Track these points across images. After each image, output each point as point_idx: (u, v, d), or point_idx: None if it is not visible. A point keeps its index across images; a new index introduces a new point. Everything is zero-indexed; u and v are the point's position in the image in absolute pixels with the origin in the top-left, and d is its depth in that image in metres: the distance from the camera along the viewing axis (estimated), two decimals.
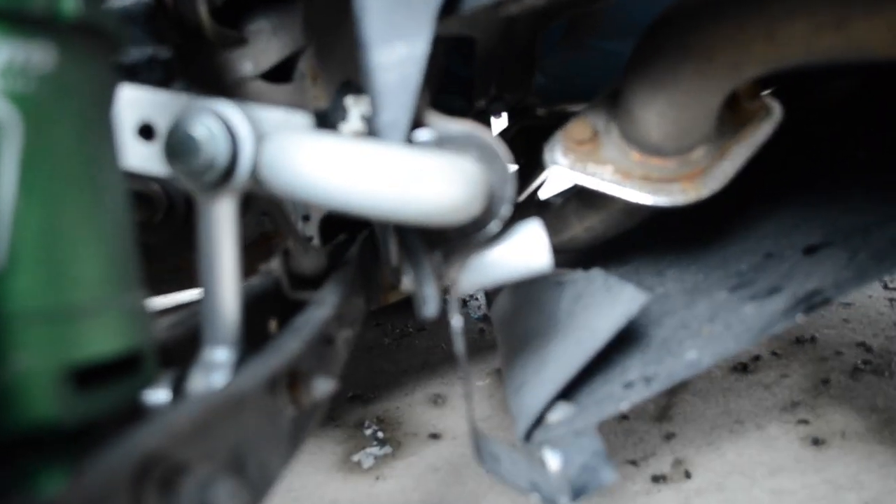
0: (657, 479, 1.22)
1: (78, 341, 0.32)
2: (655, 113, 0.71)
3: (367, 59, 0.51)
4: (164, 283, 1.29)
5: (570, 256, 1.38)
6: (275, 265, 0.77)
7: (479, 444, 0.63)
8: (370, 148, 0.44)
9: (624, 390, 0.74)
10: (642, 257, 1.15)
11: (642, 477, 1.23)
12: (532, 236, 0.58)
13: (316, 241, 1.10)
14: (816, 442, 1.37)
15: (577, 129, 0.78)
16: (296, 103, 0.91)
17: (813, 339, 1.82)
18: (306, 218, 1.08)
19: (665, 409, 1.49)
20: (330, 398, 0.59)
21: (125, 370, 0.36)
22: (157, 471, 0.32)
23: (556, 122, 0.82)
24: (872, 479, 1.24)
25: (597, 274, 0.87)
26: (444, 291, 0.60)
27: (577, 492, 0.65)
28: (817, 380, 1.62)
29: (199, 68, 0.87)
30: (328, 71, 0.95)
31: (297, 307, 0.64)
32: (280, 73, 0.94)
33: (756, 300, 0.80)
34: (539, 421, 0.74)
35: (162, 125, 0.53)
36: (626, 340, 0.83)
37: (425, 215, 0.44)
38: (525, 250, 0.58)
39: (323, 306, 0.59)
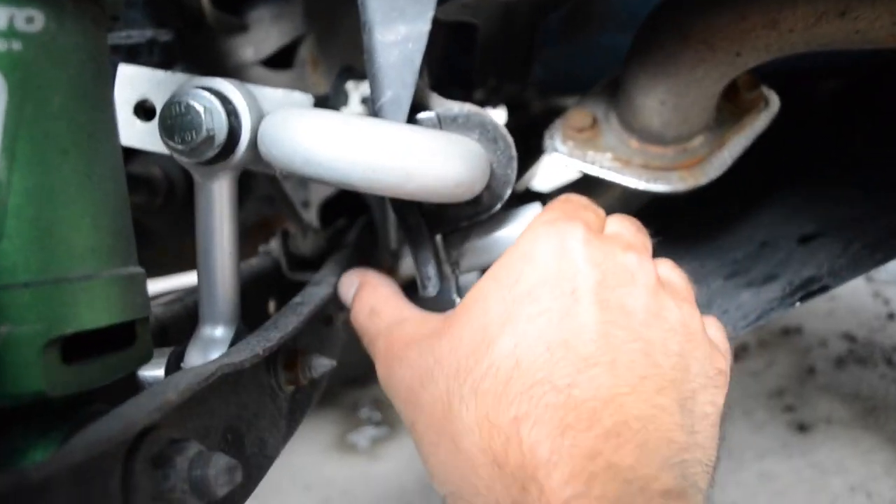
0: None
1: (65, 313, 0.32)
2: (655, 100, 0.70)
3: (369, 39, 0.51)
4: (166, 268, 1.28)
5: None
6: (274, 246, 0.77)
7: None
8: (371, 123, 0.43)
9: None
10: None
11: None
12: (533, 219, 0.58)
13: (316, 226, 1.10)
14: (802, 428, 1.38)
15: (576, 116, 0.78)
16: (296, 89, 0.91)
17: (799, 330, 1.83)
18: (306, 204, 1.08)
19: None
20: (328, 378, 0.59)
21: (117, 344, 0.36)
22: (149, 446, 0.32)
23: (551, 117, 0.82)
24: (857, 464, 1.25)
25: None
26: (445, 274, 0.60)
27: None
28: (803, 368, 1.63)
29: (199, 53, 0.86)
30: (328, 57, 0.94)
31: (297, 288, 0.64)
32: (280, 60, 0.94)
33: (752, 287, 0.80)
34: None
35: (160, 103, 0.53)
36: None
37: (426, 191, 0.44)
38: None
39: (322, 285, 0.59)
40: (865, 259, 0.74)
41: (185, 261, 1.25)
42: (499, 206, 0.54)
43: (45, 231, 0.31)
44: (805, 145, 1.19)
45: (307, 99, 0.52)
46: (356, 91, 0.67)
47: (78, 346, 0.33)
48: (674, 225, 1.15)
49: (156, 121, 0.53)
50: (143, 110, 0.54)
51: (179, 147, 0.47)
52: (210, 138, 0.47)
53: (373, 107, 0.50)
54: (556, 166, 0.91)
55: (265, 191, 1.13)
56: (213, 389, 0.40)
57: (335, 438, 1.53)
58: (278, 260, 0.77)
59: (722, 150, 0.78)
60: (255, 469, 0.46)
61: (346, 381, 1.82)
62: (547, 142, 0.79)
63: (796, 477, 1.22)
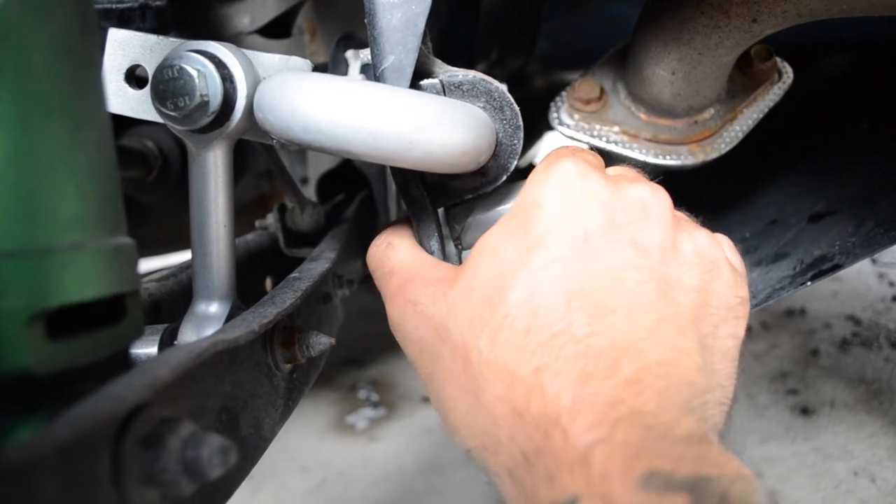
0: None
1: (50, 285, 0.29)
2: (667, 70, 0.68)
3: (370, 0, 0.48)
4: (161, 246, 1.26)
5: None
6: (271, 221, 0.75)
7: None
8: (373, 88, 0.41)
9: None
10: None
11: None
12: None
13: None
14: (806, 411, 1.37)
15: (583, 87, 0.76)
16: None
17: (803, 312, 1.82)
18: (304, 181, 1.06)
19: None
20: (326, 357, 0.57)
21: (106, 319, 0.34)
22: (140, 426, 0.30)
23: (553, 93, 0.80)
24: (861, 448, 1.25)
25: None
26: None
27: None
28: (807, 351, 1.62)
29: (193, 21, 0.83)
30: (327, 25, 0.91)
31: (294, 264, 0.62)
32: (278, 29, 0.91)
33: (762, 266, 0.78)
34: None
35: (152, 69, 0.51)
36: None
37: (430, 160, 0.41)
38: None
39: (320, 261, 0.57)
40: (880, 237, 0.72)
41: (182, 238, 1.22)
42: (504, 177, 0.52)
43: (27, 197, 0.29)
44: (813, 121, 1.16)
45: (306, 64, 0.49)
46: (356, 60, 0.64)
47: (64, 321, 0.31)
48: (679, 201, 1.13)
49: (148, 88, 0.51)
50: (135, 78, 0.52)
51: (172, 113, 0.45)
52: (204, 104, 0.45)
53: (374, 72, 0.48)
54: (559, 141, 0.89)
55: (262, 167, 1.11)
56: (207, 367, 0.38)
57: (333, 419, 1.52)
58: (275, 235, 0.75)
59: (733, 123, 0.76)
60: (250, 450, 0.45)
61: (345, 362, 1.80)
62: (552, 115, 0.76)
63: (799, 461, 1.21)
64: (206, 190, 0.48)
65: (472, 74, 0.50)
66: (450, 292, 0.42)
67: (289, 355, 0.48)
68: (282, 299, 0.48)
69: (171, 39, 0.51)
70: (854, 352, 1.64)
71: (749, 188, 1.05)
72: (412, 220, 0.52)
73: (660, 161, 0.74)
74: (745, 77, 0.77)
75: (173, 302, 0.56)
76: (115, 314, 0.34)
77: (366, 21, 0.49)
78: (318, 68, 0.87)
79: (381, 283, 0.49)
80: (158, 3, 0.73)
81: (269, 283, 0.74)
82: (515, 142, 0.50)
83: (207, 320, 0.48)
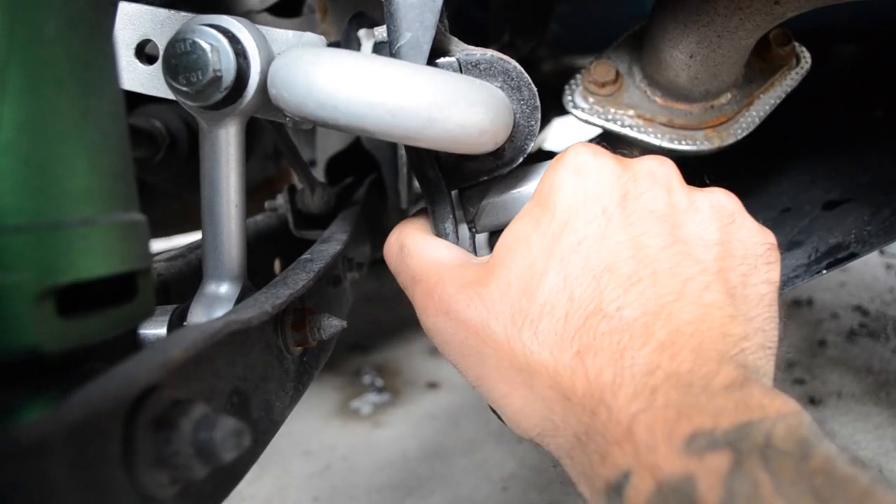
0: None
1: (61, 261, 0.29)
2: (685, 53, 0.67)
3: None
4: (168, 226, 1.25)
5: None
6: (280, 202, 0.74)
7: None
8: (391, 64, 0.40)
9: None
10: None
11: None
12: None
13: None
14: (813, 401, 1.36)
15: (599, 70, 0.74)
16: None
17: (810, 302, 1.82)
18: (312, 163, 1.05)
19: None
20: (335, 341, 0.56)
21: (117, 297, 0.33)
22: (151, 407, 0.29)
23: (562, 78, 0.78)
24: (868, 439, 1.24)
25: None
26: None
27: None
28: (814, 341, 1.61)
29: None
30: (338, 4, 0.90)
31: (303, 246, 0.61)
32: (289, 7, 0.90)
33: None
34: None
35: (163, 45, 0.49)
36: None
37: (448, 139, 0.40)
38: None
39: (332, 242, 0.57)
40: None
41: (188, 220, 1.22)
42: (520, 159, 0.51)
43: (39, 170, 0.28)
44: (828, 109, 1.15)
45: (320, 40, 0.48)
46: (369, 39, 0.63)
47: (74, 299, 0.30)
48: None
49: (158, 64, 0.50)
50: (145, 53, 0.51)
51: (184, 89, 0.44)
52: (217, 79, 0.44)
53: (390, 49, 0.47)
54: (570, 129, 0.87)
55: (268, 149, 1.10)
56: (218, 348, 0.37)
57: (337, 405, 1.52)
58: (284, 217, 0.74)
59: (750, 108, 0.74)
60: (261, 434, 0.44)
61: (350, 347, 1.80)
62: (566, 97, 0.75)
63: None
64: (217, 168, 0.47)
65: (489, 53, 0.49)
66: (484, 291, 0.43)
67: (300, 338, 0.47)
68: (294, 281, 0.47)
69: (183, 14, 0.50)
70: (861, 342, 1.63)
71: (762, 175, 1.04)
72: (427, 201, 0.51)
73: (675, 146, 0.72)
74: (762, 62, 0.75)
75: (182, 282, 0.55)
76: (126, 292, 0.33)
77: None
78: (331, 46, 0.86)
79: (407, 289, 0.49)
80: None
81: (277, 264, 0.73)
82: (533, 123, 0.49)
83: (218, 301, 0.47)
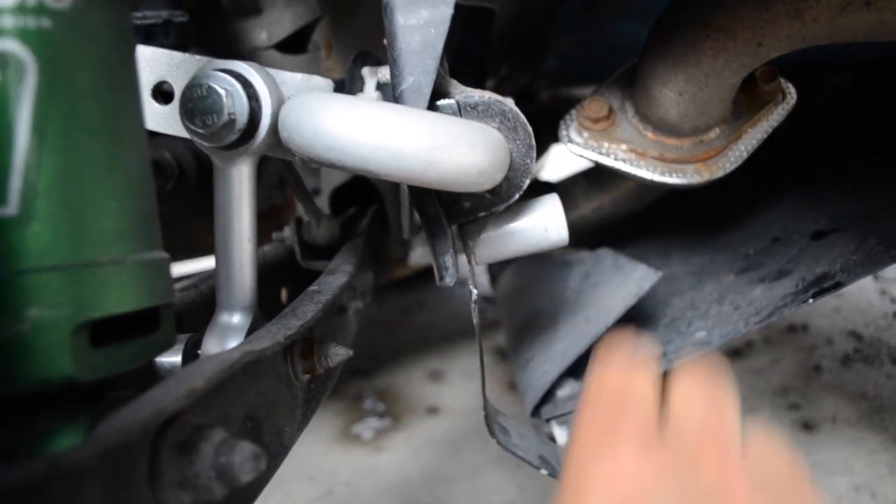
0: None
1: (94, 297, 0.31)
2: (674, 91, 0.70)
3: (390, 23, 0.50)
4: (175, 253, 1.28)
5: (573, 238, 1.37)
6: (287, 234, 0.76)
7: (490, 417, 0.63)
8: (395, 110, 0.43)
9: None
10: (647, 240, 1.15)
11: None
12: (550, 210, 0.58)
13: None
14: (807, 427, 1.38)
15: (593, 106, 0.77)
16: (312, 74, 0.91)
17: (805, 327, 1.83)
18: (317, 192, 1.07)
19: (663, 391, 1.49)
20: (341, 368, 0.59)
21: (143, 329, 0.35)
22: (175, 432, 0.32)
23: (559, 106, 0.81)
24: (862, 464, 1.25)
25: (605, 253, 0.87)
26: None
27: None
28: (809, 366, 1.63)
29: (213, 36, 0.85)
30: (343, 42, 0.93)
31: (308, 277, 0.63)
32: (294, 44, 0.93)
33: (764, 283, 0.80)
34: (547, 396, 0.74)
35: (178, 86, 0.52)
36: (634, 320, 0.83)
37: (448, 180, 0.43)
38: (543, 224, 0.57)
39: (338, 274, 0.59)
40: (881, 255, 0.74)
41: (196, 246, 1.24)
42: (517, 195, 0.53)
43: (74, 213, 0.31)
44: (819, 138, 1.18)
45: (327, 84, 0.51)
46: (372, 77, 0.66)
47: (104, 331, 0.32)
48: (683, 218, 1.15)
49: (174, 104, 0.53)
50: (161, 93, 0.54)
51: (200, 131, 0.47)
52: (231, 122, 0.46)
53: (393, 92, 0.50)
54: (567, 157, 0.90)
55: (274, 179, 1.13)
56: (234, 377, 0.39)
57: (339, 429, 1.53)
58: (291, 248, 0.76)
59: (738, 142, 0.77)
60: (272, 458, 0.46)
61: (351, 372, 1.82)
62: (562, 132, 0.78)
63: None
64: (230, 204, 0.50)
65: (487, 95, 0.52)
66: None
67: (308, 366, 0.49)
68: (303, 312, 0.49)
69: (197, 57, 0.53)
70: (856, 368, 1.64)
71: (754, 205, 1.07)
72: (427, 235, 0.53)
73: (666, 179, 0.75)
74: (749, 98, 0.78)
75: (195, 312, 0.57)
76: (151, 325, 0.35)
77: (385, 42, 0.51)
78: (335, 84, 0.89)
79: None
80: (181, 18, 0.75)
81: (284, 294, 0.76)
82: (528, 161, 0.52)
83: (230, 331, 0.49)
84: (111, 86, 0.34)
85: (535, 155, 0.53)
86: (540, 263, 1.07)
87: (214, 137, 0.47)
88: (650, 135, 0.77)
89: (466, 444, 1.42)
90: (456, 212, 0.53)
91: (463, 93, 0.53)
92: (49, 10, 0.31)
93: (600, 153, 0.76)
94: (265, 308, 0.54)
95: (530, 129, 0.52)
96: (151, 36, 0.70)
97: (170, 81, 0.53)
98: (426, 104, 0.49)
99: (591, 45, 1.20)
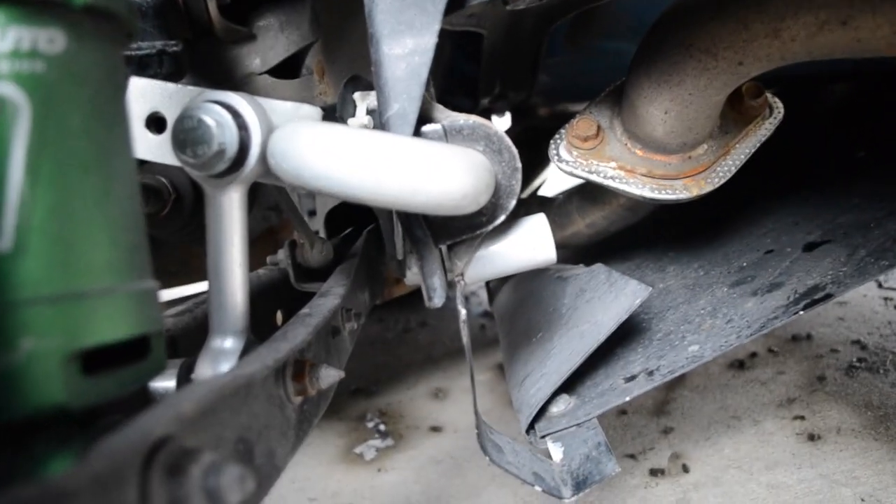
0: (655, 472, 1.23)
1: (85, 327, 0.32)
2: (659, 110, 0.71)
3: (376, 52, 0.52)
4: (172, 276, 1.29)
5: (572, 252, 1.39)
6: (281, 257, 0.77)
7: (483, 435, 0.64)
8: (379, 137, 0.44)
9: (626, 383, 0.75)
10: (644, 253, 1.16)
11: (641, 470, 1.24)
12: (537, 229, 0.59)
13: (322, 236, 1.10)
14: (812, 437, 1.37)
15: (581, 125, 0.79)
16: (303, 98, 0.92)
17: (809, 337, 1.83)
18: (312, 213, 1.09)
19: (663, 404, 1.50)
20: (335, 389, 0.60)
21: (133, 356, 0.36)
22: (165, 456, 0.33)
23: (557, 122, 0.83)
24: (868, 474, 1.25)
25: (599, 269, 0.88)
26: (451, 284, 0.60)
27: (580, 483, 0.65)
28: (813, 377, 1.62)
29: (208, 63, 0.87)
30: (335, 67, 0.95)
31: (303, 298, 0.64)
32: (288, 69, 0.94)
33: (757, 296, 0.81)
34: (541, 413, 0.74)
35: (171, 116, 0.54)
36: (628, 335, 0.84)
37: (433, 205, 0.44)
38: (531, 243, 0.58)
39: (330, 296, 0.60)
40: (870, 266, 0.74)
41: (192, 270, 1.26)
42: (503, 217, 0.55)
43: (66, 247, 0.32)
44: (813, 150, 1.19)
45: (316, 112, 0.52)
46: (363, 102, 0.68)
47: (95, 359, 0.34)
48: (680, 232, 1.15)
49: (167, 133, 0.54)
50: (155, 123, 0.55)
51: (191, 160, 0.48)
52: (221, 152, 0.48)
53: (380, 119, 0.51)
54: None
55: (271, 201, 1.14)
56: (225, 401, 0.40)
57: (341, 450, 1.53)
58: (286, 270, 0.77)
59: (726, 158, 0.79)
60: (264, 479, 0.47)
61: (353, 392, 1.82)
62: (552, 151, 0.80)
63: (806, 488, 1.22)
64: (221, 231, 0.51)
65: (472, 120, 0.53)
66: None
67: (300, 388, 0.50)
68: (294, 335, 0.50)
69: (189, 88, 0.54)
70: (860, 377, 1.64)
71: (749, 216, 1.08)
72: (416, 257, 0.54)
73: (656, 195, 0.76)
74: (736, 113, 0.80)
75: (189, 336, 0.58)
76: (141, 351, 0.36)
77: (372, 70, 0.52)
78: (327, 109, 0.90)
79: None
80: (174, 48, 0.77)
81: (279, 316, 0.77)
82: (514, 183, 0.53)
83: (223, 355, 0.50)
84: (102, 123, 0.35)
85: (520, 177, 0.54)
86: (536, 280, 1.08)
87: (205, 167, 0.48)
88: (639, 152, 0.78)
89: (469, 462, 1.42)
90: (444, 233, 0.54)
91: (448, 117, 0.54)
92: (42, 54, 0.32)
93: (589, 171, 0.78)
94: (261, 330, 0.55)
95: (515, 151, 0.54)
96: (146, 66, 0.72)
97: (163, 112, 0.55)
98: (412, 130, 0.50)
99: (582, 63, 1.22)
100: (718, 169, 0.78)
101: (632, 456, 1.28)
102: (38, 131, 0.32)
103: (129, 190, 0.36)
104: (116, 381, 0.35)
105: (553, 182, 2.17)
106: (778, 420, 1.45)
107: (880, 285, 2.14)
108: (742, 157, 0.79)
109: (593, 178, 0.77)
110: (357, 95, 0.76)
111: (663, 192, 0.77)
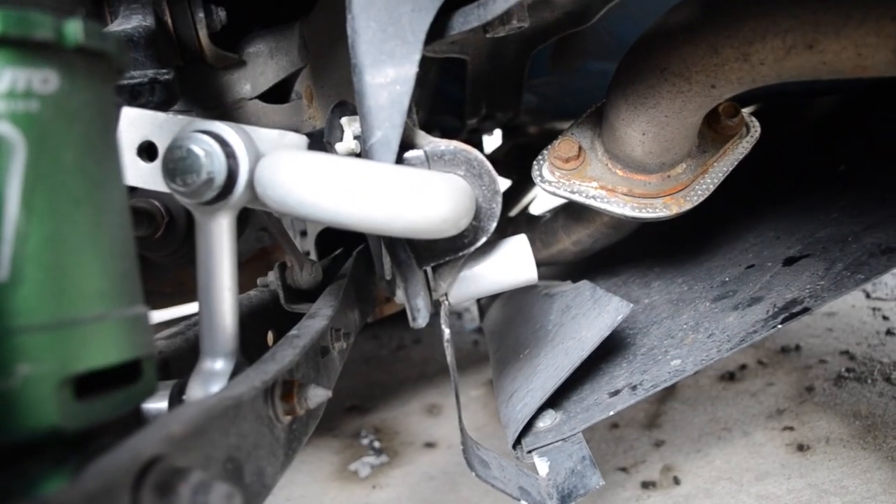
0: (647, 485, 1.24)
1: (79, 352, 0.34)
2: (637, 131, 0.73)
3: (359, 82, 0.54)
4: (166, 298, 1.31)
5: (560, 269, 1.40)
6: (272, 279, 0.79)
7: (469, 451, 0.65)
8: (361, 165, 0.46)
9: (610, 398, 0.76)
10: (630, 269, 1.18)
11: (632, 483, 1.25)
12: (518, 250, 0.61)
13: (313, 256, 1.12)
14: (801, 448, 1.39)
15: (563, 146, 0.81)
16: (292, 123, 0.94)
17: (798, 348, 1.85)
18: (303, 233, 1.10)
19: (654, 417, 1.51)
20: (325, 407, 0.61)
21: (125, 379, 0.38)
22: (155, 475, 0.34)
23: (546, 139, 0.85)
24: (856, 483, 1.26)
25: (584, 286, 0.90)
26: (436, 304, 0.62)
27: (565, 497, 0.67)
28: (802, 387, 1.64)
29: (199, 89, 0.89)
30: (323, 92, 0.97)
31: (294, 319, 0.66)
32: (277, 94, 0.97)
33: (738, 310, 0.82)
34: (529, 428, 0.76)
35: (162, 144, 0.56)
36: (614, 350, 0.85)
37: (414, 229, 0.46)
38: (512, 263, 0.60)
39: (318, 317, 0.62)
40: (846, 280, 0.76)
41: (186, 291, 1.27)
42: (485, 238, 0.56)
43: (59, 276, 0.34)
44: (796, 164, 1.22)
45: (301, 140, 0.54)
46: (350, 127, 0.70)
47: (88, 383, 0.35)
48: (665, 247, 1.17)
49: (158, 161, 0.56)
50: (146, 151, 0.57)
51: (181, 189, 0.50)
52: (210, 180, 0.49)
53: (363, 146, 0.53)
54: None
55: (263, 221, 1.16)
56: (214, 421, 0.42)
57: (336, 467, 1.54)
58: (276, 292, 0.79)
59: (705, 176, 0.81)
60: (253, 497, 0.48)
61: (348, 409, 1.83)
62: (535, 172, 0.82)
63: (795, 498, 1.23)
64: (211, 256, 0.53)
65: (453, 145, 0.55)
66: None
67: (288, 408, 0.52)
68: (282, 356, 0.52)
69: (180, 117, 0.56)
70: (849, 387, 1.66)
71: (732, 233, 1.10)
72: (400, 280, 0.56)
73: (637, 214, 0.78)
74: (714, 132, 0.82)
75: (182, 358, 0.60)
76: (132, 375, 0.38)
77: (356, 99, 0.54)
78: (316, 133, 0.92)
79: None
80: (166, 76, 0.78)
81: (270, 336, 0.78)
82: (494, 206, 0.55)
83: (214, 376, 0.52)
84: (93, 157, 0.37)
85: (500, 199, 0.56)
86: (524, 297, 1.10)
87: (195, 194, 0.50)
88: (619, 172, 0.80)
89: (463, 477, 1.43)
90: (427, 255, 0.56)
91: (430, 143, 0.56)
92: (37, 94, 0.34)
93: (572, 191, 0.80)
94: (252, 351, 0.57)
95: (495, 175, 0.56)
96: (138, 94, 0.74)
97: (154, 140, 0.56)
98: (394, 157, 0.52)
99: (567, 83, 1.25)
100: (697, 187, 0.80)
101: (623, 469, 1.29)
102: (33, 167, 0.33)
103: (119, 219, 0.38)
104: (109, 403, 0.36)
105: (544, 198, 2.19)
106: (768, 431, 1.46)
107: (868, 296, 2.16)
108: (720, 175, 0.81)
109: (575, 197, 0.79)
110: (344, 120, 0.78)
111: (644, 210, 0.79)
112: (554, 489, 0.68)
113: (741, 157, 0.83)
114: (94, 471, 0.31)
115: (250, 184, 0.51)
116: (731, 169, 0.82)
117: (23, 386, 0.32)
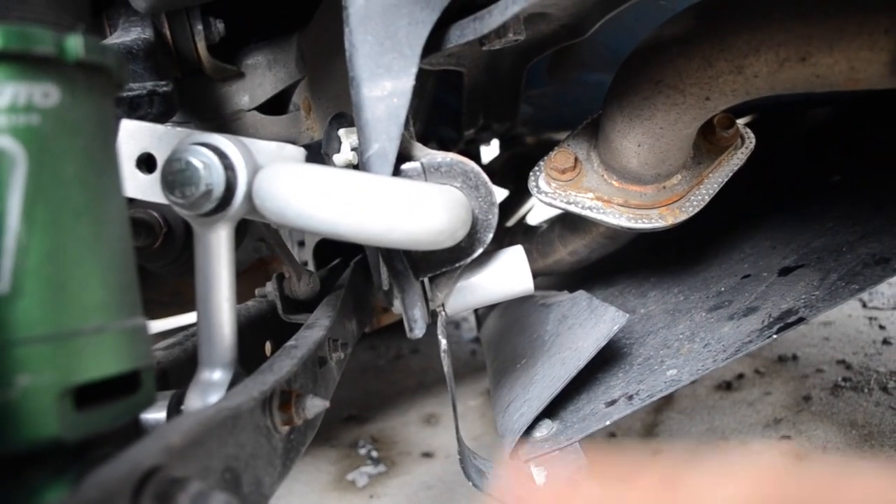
0: None
1: (78, 364, 0.35)
2: (633, 142, 0.74)
3: (357, 94, 0.54)
4: (164, 307, 1.31)
5: (556, 279, 1.41)
6: (270, 289, 0.79)
7: (466, 461, 0.65)
8: (357, 177, 0.46)
9: (607, 407, 0.76)
10: (627, 279, 1.18)
11: None
12: (515, 261, 0.61)
13: (310, 266, 1.12)
14: (798, 457, 1.39)
15: (559, 157, 0.81)
16: (290, 134, 0.95)
17: (795, 357, 1.85)
18: (301, 244, 1.11)
19: (651, 426, 1.51)
20: (323, 417, 0.61)
21: (124, 390, 0.38)
22: (154, 485, 0.34)
23: (544, 149, 0.86)
24: None
25: (581, 296, 0.90)
26: (433, 314, 0.62)
27: None
28: (799, 397, 1.64)
29: (198, 101, 0.90)
30: (321, 103, 0.98)
31: (292, 329, 0.66)
32: (275, 106, 0.97)
33: (734, 320, 0.83)
34: (525, 438, 0.76)
35: (161, 156, 0.56)
36: (610, 360, 0.86)
37: (410, 241, 0.47)
38: (508, 274, 0.60)
39: (316, 328, 0.62)
40: (841, 290, 0.77)
41: (184, 300, 1.27)
42: (481, 250, 0.57)
43: (60, 288, 0.34)
44: (791, 175, 1.22)
45: (299, 152, 0.55)
46: (348, 138, 0.70)
47: (88, 393, 0.35)
48: (662, 257, 1.18)
49: (157, 173, 0.56)
50: (145, 163, 0.57)
51: (180, 201, 0.50)
52: (209, 192, 0.50)
53: (360, 158, 0.53)
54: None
55: (261, 232, 1.16)
56: (212, 432, 0.42)
57: (333, 477, 1.54)
58: (274, 303, 0.79)
59: (700, 187, 0.81)
60: None
61: (346, 419, 1.83)
62: (531, 183, 0.82)
63: None
64: (209, 267, 0.53)
65: (449, 157, 0.55)
66: None
67: (286, 418, 0.52)
68: (279, 367, 0.52)
69: (178, 129, 0.57)
70: (846, 396, 1.66)
71: (728, 243, 1.10)
72: (397, 290, 0.56)
73: (632, 224, 0.79)
74: (709, 144, 0.83)
75: (180, 369, 0.60)
76: (131, 385, 0.38)
77: (353, 111, 0.55)
78: (314, 145, 0.93)
79: None
80: (165, 88, 0.79)
81: (268, 346, 0.79)
82: (490, 217, 0.56)
83: (212, 387, 0.52)
84: (93, 170, 0.37)
85: (497, 211, 0.57)
86: (521, 306, 1.10)
87: (193, 206, 0.51)
88: (615, 183, 0.81)
89: (461, 487, 1.43)
90: (424, 266, 0.57)
91: (427, 155, 0.56)
92: (38, 108, 0.34)
93: (568, 202, 0.80)
94: (250, 361, 0.57)
95: (492, 186, 0.56)
96: (137, 106, 0.74)
97: (153, 152, 0.57)
98: (391, 169, 0.52)
99: (563, 94, 1.26)
100: (692, 198, 0.81)
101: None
102: (34, 180, 0.34)
103: (119, 231, 0.39)
104: (108, 414, 0.37)
105: (541, 209, 2.19)
106: (765, 440, 1.46)
107: (865, 305, 2.17)
108: (715, 185, 0.82)
109: (572, 208, 0.80)
110: (342, 132, 0.78)
111: (640, 221, 0.79)
112: None
113: (736, 168, 0.83)
114: (93, 481, 0.32)
115: (248, 195, 0.51)
116: (726, 180, 0.83)
117: (23, 397, 0.33)
